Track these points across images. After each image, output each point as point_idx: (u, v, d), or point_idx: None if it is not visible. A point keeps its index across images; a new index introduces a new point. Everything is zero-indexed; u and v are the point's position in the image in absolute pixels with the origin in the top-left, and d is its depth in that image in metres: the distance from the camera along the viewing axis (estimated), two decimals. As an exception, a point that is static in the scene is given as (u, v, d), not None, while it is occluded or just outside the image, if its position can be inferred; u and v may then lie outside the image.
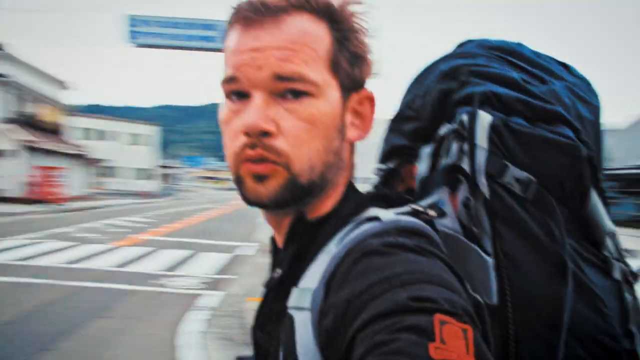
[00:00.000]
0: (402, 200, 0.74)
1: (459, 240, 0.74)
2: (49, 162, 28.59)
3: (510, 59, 0.86)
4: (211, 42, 11.77)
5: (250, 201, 0.70)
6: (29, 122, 29.35)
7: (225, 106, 0.72)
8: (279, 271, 0.74)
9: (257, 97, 0.67)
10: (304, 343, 0.59)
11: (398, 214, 0.67)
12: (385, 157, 0.95)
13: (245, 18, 0.68)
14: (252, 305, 7.06)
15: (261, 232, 13.07)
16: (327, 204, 0.73)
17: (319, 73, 0.68)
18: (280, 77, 0.66)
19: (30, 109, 30.29)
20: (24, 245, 12.04)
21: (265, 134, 0.66)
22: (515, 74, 0.82)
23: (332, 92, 0.70)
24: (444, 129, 0.81)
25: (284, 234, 0.75)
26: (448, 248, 0.71)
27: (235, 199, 59.14)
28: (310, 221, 0.73)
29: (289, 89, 0.67)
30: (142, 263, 10.85)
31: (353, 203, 0.73)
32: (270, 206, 0.70)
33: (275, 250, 0.80)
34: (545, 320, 0.69)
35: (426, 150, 0.84)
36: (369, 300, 0.53)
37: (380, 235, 0.61)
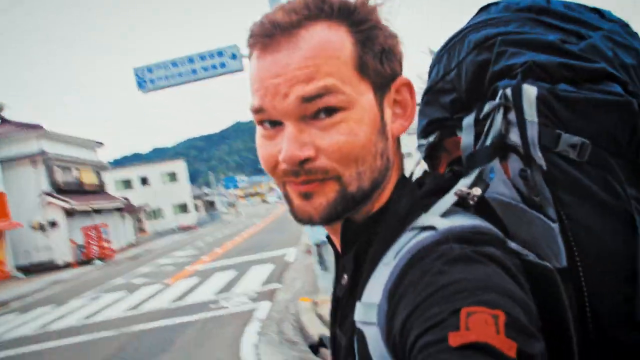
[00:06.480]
0: (452, 185, 0.73)
1: (520, 209, 0.74)
2: (97, 220, 29.93)
3: (542, 18, 0.81)
4: (221, 68, 12.30)
5: (299, 219, 0.70)
6: (71, 189, 30.52)
7: (258, 132, 0.71)
8: (346, 277, 0.74)
9: (289, 126, 0.66)
10: (379, 357, 0.60)
11: (448, 210, 0.67)
12: (425, 131, 0.93)
13: (261, 42, 0.67)
14: (305, 305, 7.23)
15: (306, 235, 13.29)
16: (376, 205, 0.73)
17: (346, 82, 0.65)
18: (307, 99, 0.64)
19: (70, 175, 31.46)
20: (84, 306, 12.44)
21: (305, 160, 0.65)
22: (551, 36, 0.78)
23: (365, 96, 0.67)
24: (488, 106, 0.79)
25: (338, 235, 0.75)
26: (508, 217, 0.74)
27: (274, 210, 59.63)
28: (360, 223, 0.72)
29: (320, 109, 0.65)
30: (196, 293, 11.14)
31: (406, 203, 0.71)
32: (320, 223, 0.70)
33: (335, 252, 0.81)
34: (619, 275, 0.69)
35: (468, 121, 0.83)
36: (418, 317, 0.53)
37: (435, 249, 0.60)
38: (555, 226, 0.71)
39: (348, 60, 0.66)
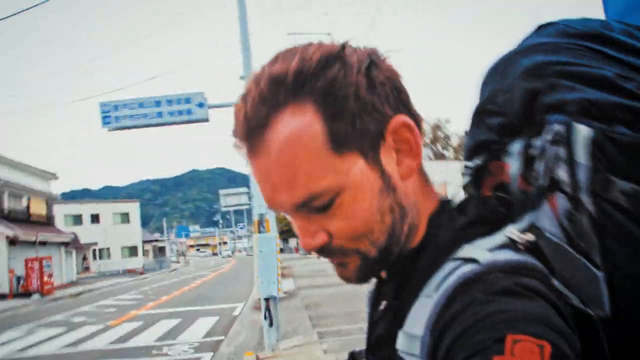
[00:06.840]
0: (499, 217, 0.74)
1: (565, 251, 0.71)
2: (41, 252, 28.89)
3: (599, 47, 0.76)
4: (187, 114, 12.44)
5: (342, 279, 0.77)
6: (17, 217, 29.71)
7: None
8: (384, 303, 0.78)
9: (294, 221, 0.71)
10: None
11: (496, 247, 0.67)
12: (471, 153, 0.90)
13: (240, 143, 0.69)
14: (250, 359, 7.34)
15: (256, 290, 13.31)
16: (415, 239, 0.74)
17: (329, 169, 0.66)
18: (298, 207, 0.68)
19: (19, 203, 30.80)
20: (17, 338, 12.06)
21: (322, 245, 0.70)
22: (608, 72, 0.73)
23: (354, 168, 0.67)
24: (540, 142, 0.75)
25: None
26: (554, 256, 0.71)
27: (224, 264, 58.37)
28: (402, 254, 0.74)
29: (313, 208, 0.68)
30: (139, 337, 10.99)
31: (448, 232, 0.72)
32: (359, 282, 0.76)
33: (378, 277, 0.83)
34: None
35: (516, 149, 0.79)
36: (462, 345, 0.54)
37: (479, 281, 0.60)
38: (601, 274, 0.67)
39: (323, 142, 0.65)
